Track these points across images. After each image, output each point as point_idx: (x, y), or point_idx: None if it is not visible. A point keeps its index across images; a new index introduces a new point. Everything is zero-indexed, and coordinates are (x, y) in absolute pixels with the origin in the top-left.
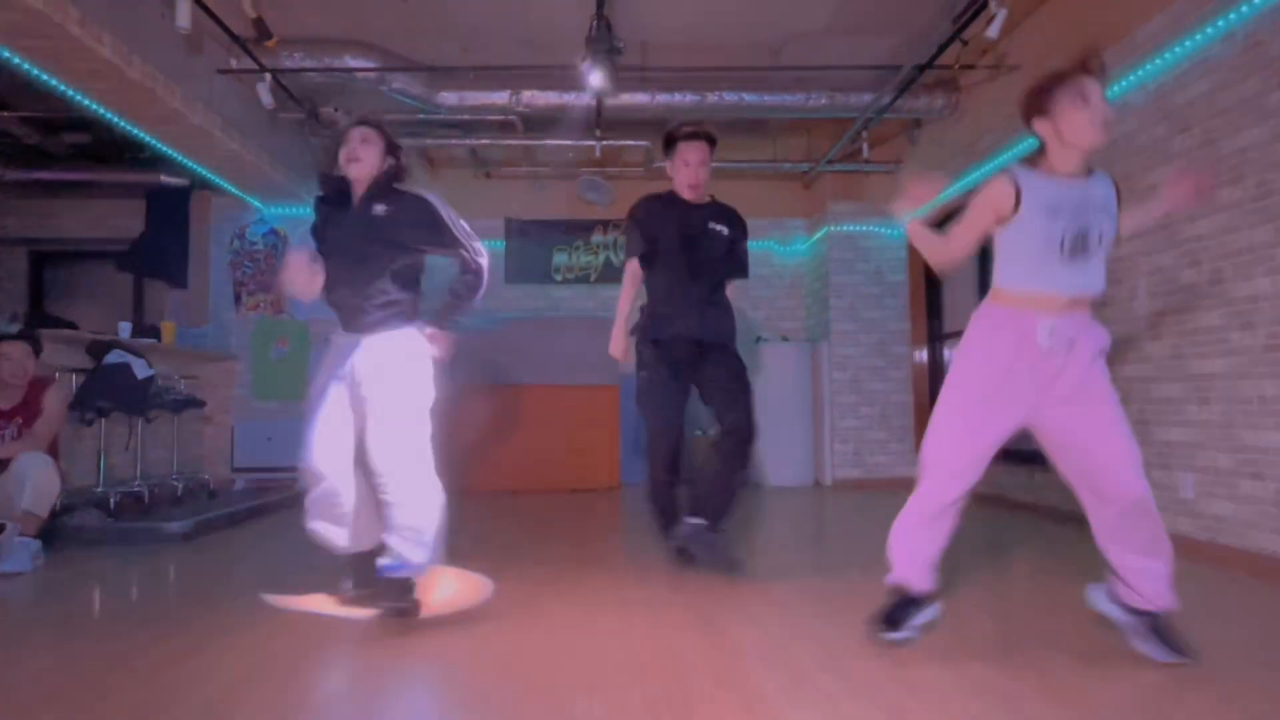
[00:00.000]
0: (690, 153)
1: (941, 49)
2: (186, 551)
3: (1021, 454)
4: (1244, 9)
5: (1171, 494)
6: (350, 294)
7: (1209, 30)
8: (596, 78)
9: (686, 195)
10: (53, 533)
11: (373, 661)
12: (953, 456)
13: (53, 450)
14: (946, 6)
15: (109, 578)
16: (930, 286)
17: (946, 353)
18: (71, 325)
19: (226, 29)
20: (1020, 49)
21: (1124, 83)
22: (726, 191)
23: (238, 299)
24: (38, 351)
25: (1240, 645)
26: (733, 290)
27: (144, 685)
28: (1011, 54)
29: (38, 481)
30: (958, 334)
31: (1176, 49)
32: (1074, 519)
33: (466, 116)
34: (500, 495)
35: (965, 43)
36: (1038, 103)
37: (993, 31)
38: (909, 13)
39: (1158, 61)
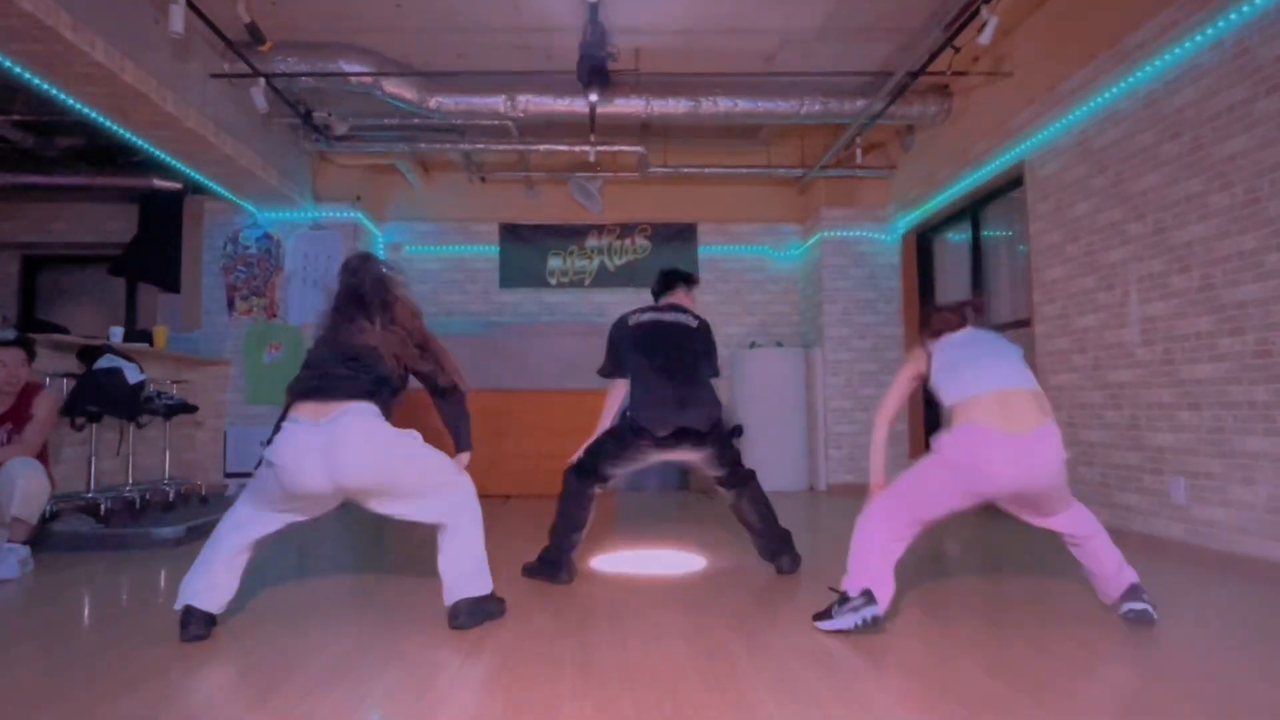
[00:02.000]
0: None
1: (934, 55)
2: (177, 557)
3: None
4: (1232, 17)
5: (1163, 499)
6: None
7: (1198, 38)
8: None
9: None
10: (42, 539)
11: (360, 669)
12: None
13: (42, 456)
14: (939, 13)
15: (98, 584)
16: (924, 292)
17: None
18: (62, 330)
19: (220, 33)
20: (1012, 55)
21: (1114, 89)
22: (720, 197)
23: (230, 303)
24: (31, 357)
25: (1233, 651)
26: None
27: (132, 692)
28: (1004, 60)
29: (27, 487)
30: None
31: (1166, 56)
32: None
33: (461, 121)
34: (493, 500)
35: (958, 49)
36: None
37: (985, 38)
38: (901, 19)
39: (1147, 69)
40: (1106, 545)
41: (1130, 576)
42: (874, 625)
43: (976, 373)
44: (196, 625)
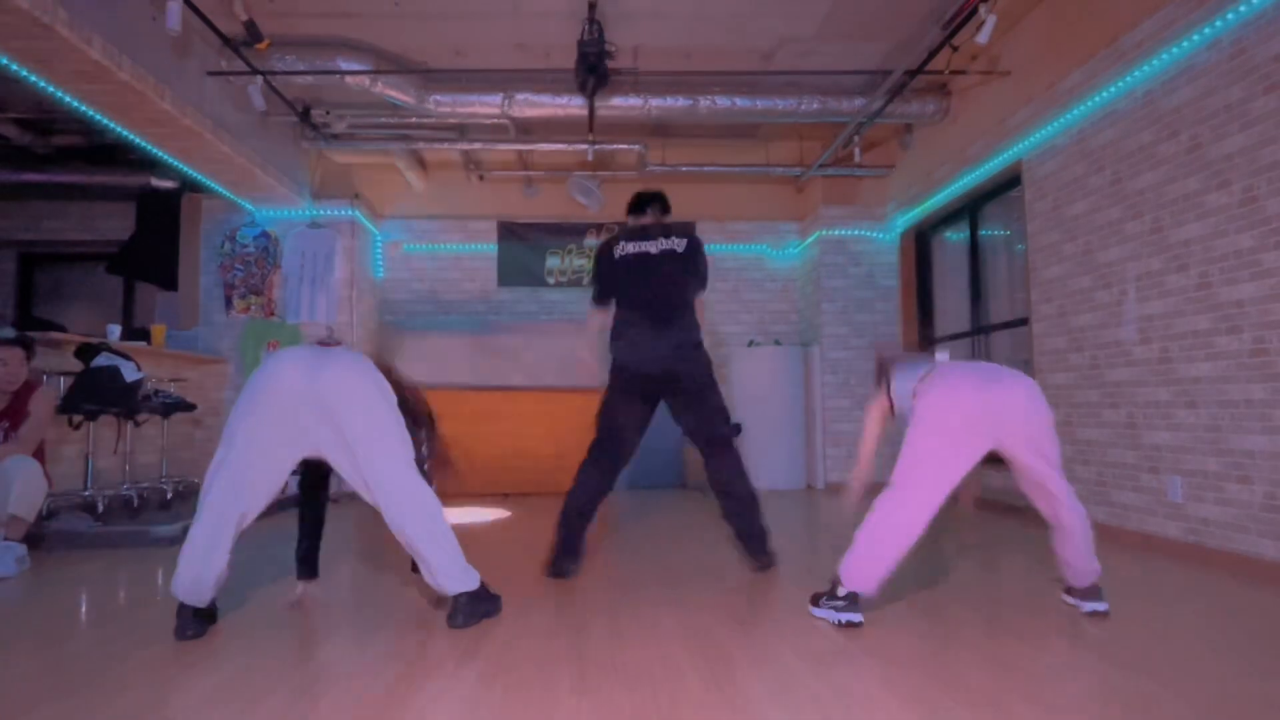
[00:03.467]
0: None
1: (932, 54)
2: (174, 555)
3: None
4: (1229, 16)
5: (1159, 497)
6: None
7: (1195, 37)
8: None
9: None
10: (40, 537)
11: (358, 667)
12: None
13: (39, 454)
14: (937, 12)
15: (95, 582)
16: (921, 290)
17: (938, 356)
18: (60, 327)
19: (217, 31)
20: (1010, 54)
21: (1112, 88)
22: (718, 195)
23: (228, 301)
24: (30, 356)
25: (1226, 649)
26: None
27: (129, 691)
28: (1002, 59)
29: (23, 485)
30: (949, 337)
31: (1163, 55)
32: None
33: (459, 120)
34: (491, 499)
35: (956, 48)
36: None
37: (983, 37)
38: (899, 19)
39: (1145, 68)
40: (1085, 535)
41: (1096, 570)
42: (851, 626)
43: (939, 367)
44: (187, 624)
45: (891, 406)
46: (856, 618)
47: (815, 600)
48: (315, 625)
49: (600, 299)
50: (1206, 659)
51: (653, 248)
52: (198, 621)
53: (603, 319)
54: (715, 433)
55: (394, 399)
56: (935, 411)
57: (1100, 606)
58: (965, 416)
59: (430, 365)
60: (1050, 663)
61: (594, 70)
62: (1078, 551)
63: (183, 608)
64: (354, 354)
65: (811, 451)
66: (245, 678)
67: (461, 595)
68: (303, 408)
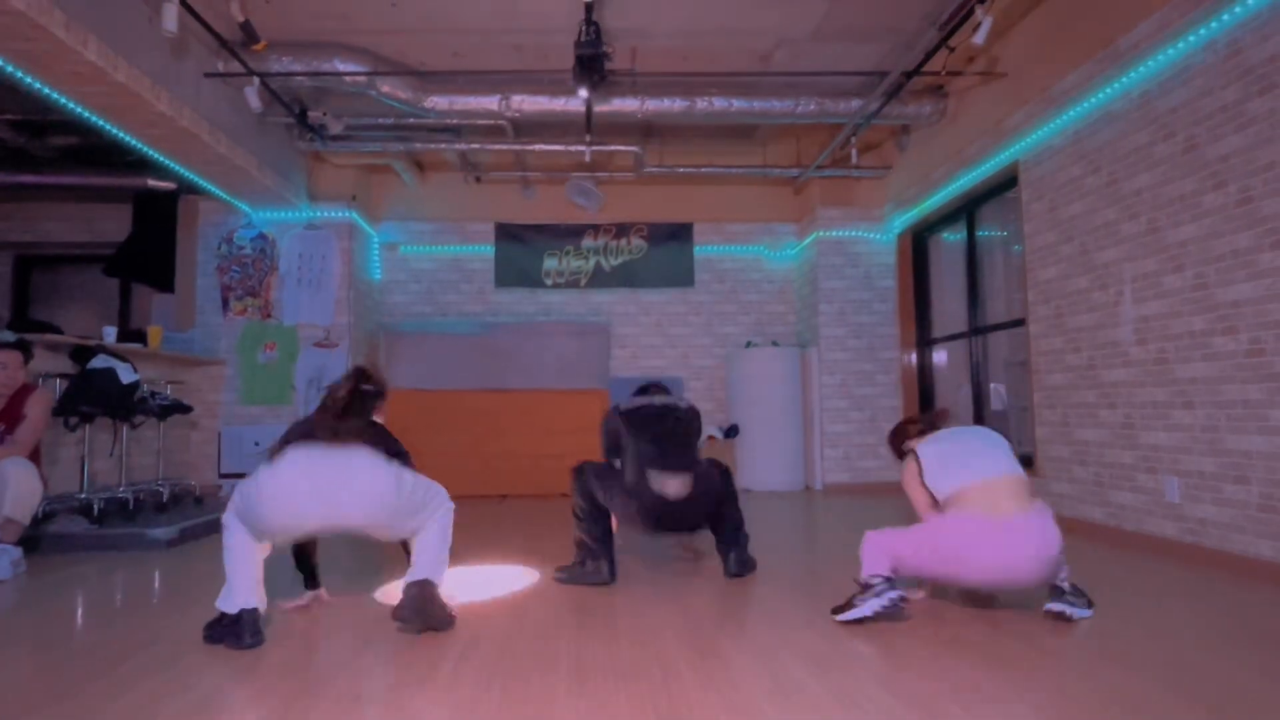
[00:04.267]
0: None
1: (929, 55)
2: (171, 558)
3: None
4: (1225, 17)
5: (1157, 497)
6: None
7: (1190, 38)
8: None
9: None
10: (35, 539)
11: (354, 667)
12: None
13: (35, 456)
14: (933, 14)
15: (91, 585)
16: (919, 291)
17: (935, 357)
18: (56, 329)
19: (214, 32)
20: (1007, 55)
21: (1108, 90)
22: (716, 197)
23: (225, 303)
24: (28, 359)
25: (1223, 648)
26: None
27: (125, 694)
28: (999, 61)
29: (18, 488)
30: (946, 339)
31: (1159, 56)
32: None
33: (456, 121)
34: (489, 499)
35: (952, 49)
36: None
37: (979, 38)
38: (896, 20)
39: (1141, 69)
40: None
41: (1065, 574)
42: (899, 609)
43: (965, 464)
44: (251, 630)
45: (920, 472)
46: (901, 591)
47: (846, 606)
48: (313, 625)
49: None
50: (1205, 658)
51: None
52: (257, 627)
53: None
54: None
55: (405, 477)
56: (945, 542)
57: (1064, 609)
58: (971, 567)
59: (428, 367)
60: (1049, 662)
61: (591, 72)
62: None
63: (242, 615)
64: (367, 461)
65: (809, 453)
66: (244, 680)
67: (414, 581)
68: (323, 522)
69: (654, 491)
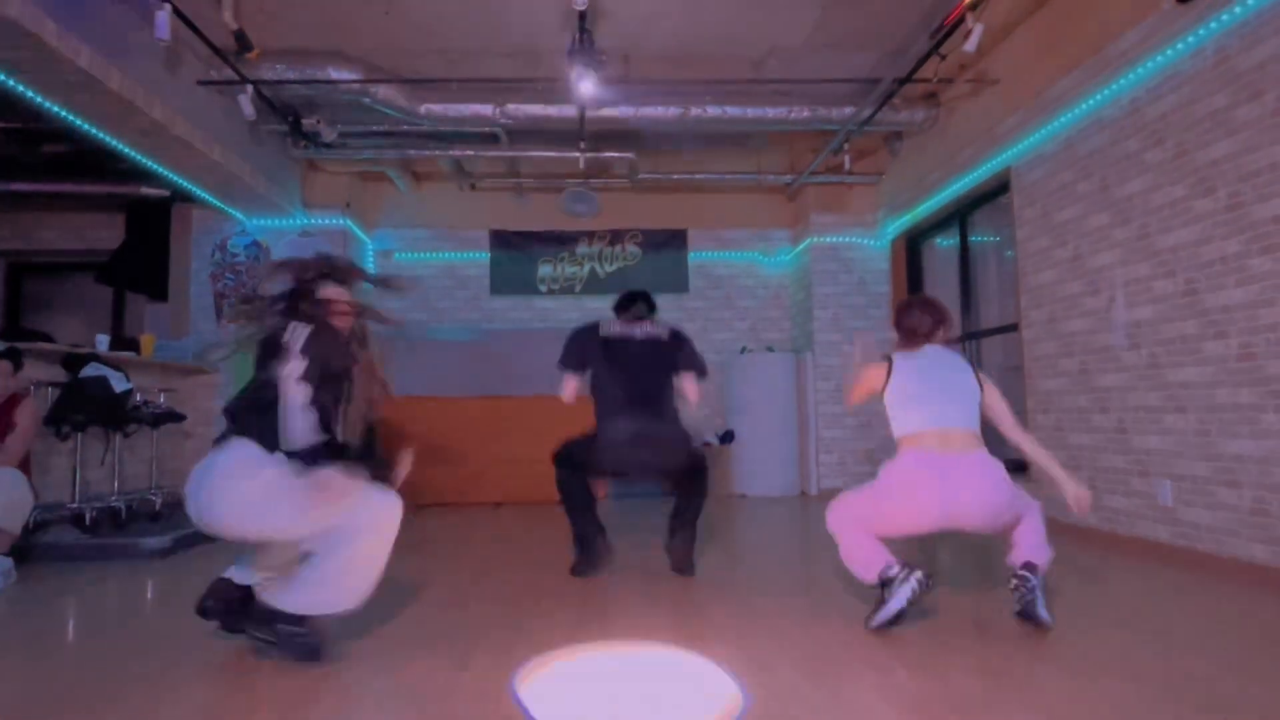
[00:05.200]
0: None
1: (921, 63)
2: (164, 568)
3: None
4: (1213, 25)
5: (1150, 501)
6: None
7: (1179, 45)
8: (582, 87)
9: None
10: (26, 550)
11: (350, 681)
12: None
13: (24, 466)
14: (925, 22)
15: (83, 595)
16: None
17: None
18: (47, 338)
19: (207, 40)
20: (998, 63)
21: (1099, 96)
22: (711, 203)
23: (219, 311)
24: (18, 369)
25: (1219, 652)
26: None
27: (116, 705)
28: (990, 68)
29: (9, 497)
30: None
31: (1149, 63)
32: (1071, 530)
33: (450, 128)
34: (484, 508)
35: (944, 57)
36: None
37: (970, 45)
38: (888, 28)
39: (1130, 75)
40: (1035, 530)
41: (1023, 556)
42: (928, 588)
43: (922, 409)
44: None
45: (881, 389)
46: (919, 574)
47: (874, 612)
48: None
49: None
50: (1197, 662)
51: (637, 330)
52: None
53: None
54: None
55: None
56: (891, 480)
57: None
58: (917, 501)
59: (423, 374)
60: (1042, 667)
61: (584, 78)
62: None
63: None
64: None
65: (804, 458)
66: (238, 691)
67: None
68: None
69: (616, 429)
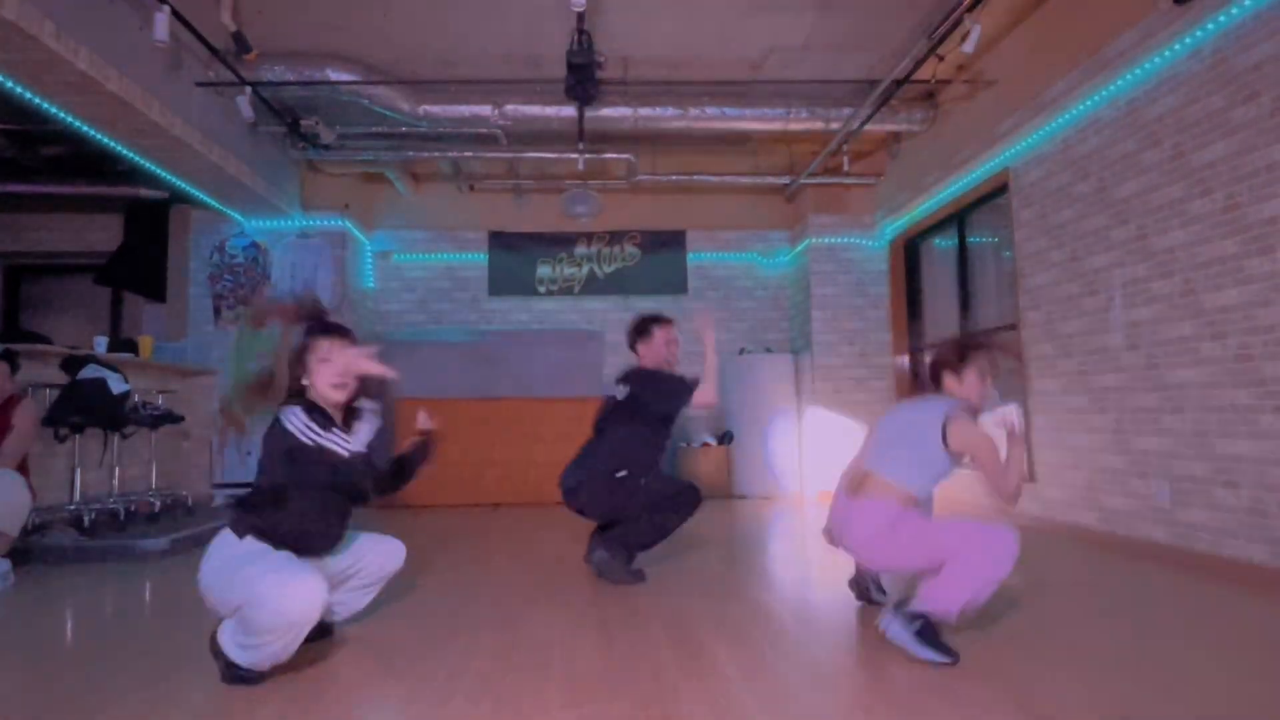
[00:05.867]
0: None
1: (919, 64)
2: (163, 569)
3: None
4: (1209, 26)
5: (1148, 502)
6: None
7: (1176, 47)
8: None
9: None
10: (24, 551)
11: (348, 681)
12: None
13: (22, 468)
14: (923, 23)
15: (82, 597)
16: (911, 297)
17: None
18: (45, 339)
19: (205, 42)
20: (996, 64)
21: (1095, 98)
22: (709, 204)
23: (217, 312)
24: (15, 371)
25: (1217, 653)
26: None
27: (117, 707)
28: (988, 69)
29: (7, 500)
30: (939, 344)
31: (1146, 65)
32: (1070, 530)
33: (449, 129)
34: (482, 509)
35: (942, 58)
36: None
37: (968, 47)
38: (886, 29)
39: (1128, 77)
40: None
41: (915, 603)
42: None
43: (870, 450)
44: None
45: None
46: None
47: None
48: (304, 643)
49: None
50: (1195, 663)
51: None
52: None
53: None
54: None
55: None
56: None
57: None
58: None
59: (422, 375)
60: (1039, 668)
61: (583, 80)
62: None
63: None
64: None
65: (802, 459)
66: (237, 693)
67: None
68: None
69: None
